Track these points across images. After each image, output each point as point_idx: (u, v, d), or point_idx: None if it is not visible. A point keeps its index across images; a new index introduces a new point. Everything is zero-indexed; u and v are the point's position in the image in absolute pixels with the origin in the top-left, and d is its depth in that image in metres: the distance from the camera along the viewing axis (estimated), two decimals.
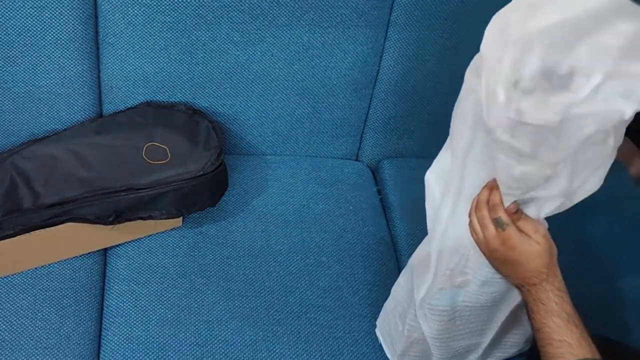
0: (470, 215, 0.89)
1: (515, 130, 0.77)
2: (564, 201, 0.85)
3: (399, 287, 1.08)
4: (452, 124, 0.90)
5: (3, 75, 1.15)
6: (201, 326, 1.12)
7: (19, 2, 1.10)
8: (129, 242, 1.21)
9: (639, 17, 0.71)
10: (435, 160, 0.96)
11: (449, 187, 0.91)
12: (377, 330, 1.16)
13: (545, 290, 0.84)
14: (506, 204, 0.85)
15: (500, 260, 0.88)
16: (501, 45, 0.77)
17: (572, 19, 0.73)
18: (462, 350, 1.05)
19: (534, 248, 0.85)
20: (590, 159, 0.80)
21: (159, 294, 1.15)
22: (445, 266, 0.93)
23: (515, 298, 0.97)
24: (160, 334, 1.10)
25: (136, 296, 1.14)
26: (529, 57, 0.75)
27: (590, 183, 0.83)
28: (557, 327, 0.83)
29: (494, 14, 1.30)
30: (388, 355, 1.14)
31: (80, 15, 1.14)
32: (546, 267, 0.85)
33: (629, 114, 0.76)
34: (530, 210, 0.87)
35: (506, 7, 0.78)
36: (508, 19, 0.78)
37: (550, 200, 0.85)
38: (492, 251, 0.87)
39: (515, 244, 0.85)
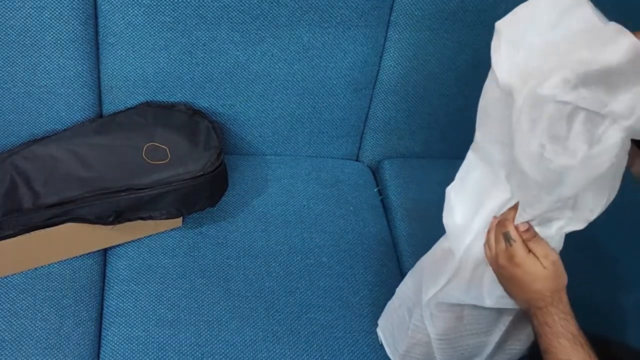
0: (488, 232, 0.91)
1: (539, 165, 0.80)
2: (585, 219, 0.86)
3: (405, 287, 1.08)
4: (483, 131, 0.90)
5: (3, 75, 1.15)
6: (201, 326, 1.12)
7: (18, 2, 1.10)
8: (129, 242, 1.21)
9: None
10: (458, 177, 0.95)
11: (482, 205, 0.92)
12: (378, 330, 1.16)
13: (551, 314, 0.85)
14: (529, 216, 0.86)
15: (506, 278, 0.89)
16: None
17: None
18: (466, 353, 1.04)
19: (539, 270, 0.85)
20: (604, 184, 0.83)
21: (159, 294, 1.15)
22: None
23: None
24: (160, 334, 1.10)
25: (136, 296, 1.14)
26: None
27: (604, 198, 0.85)
28: (564, 347, 0.83)
29: (493, 14, 1.31)
30: (389, 355, 1.14)
31: (80, 15, 1.14)
32: (550, 291, 0.85)
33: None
34: (551, 228, 0.87)
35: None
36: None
37: (570, 220, 0.86)
38: (500, 267, 0.88)
39: (521, 262, 0.86)
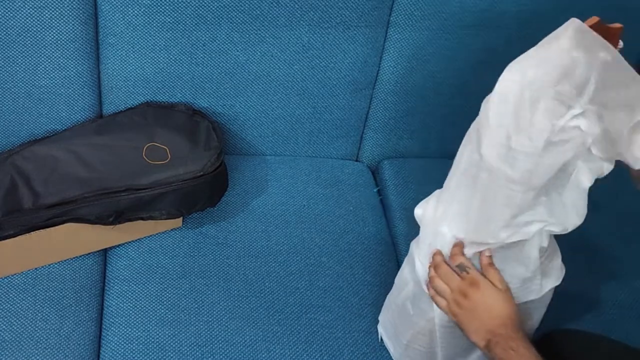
0: (430, 282, 0.95)
1: (507, 157, 0.84)
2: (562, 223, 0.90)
3: (403, 274, 1.08)
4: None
5: (3, 75, 1.15)
6: (201, 326, 1.12)
7: (19, 2, 1.10)
8: (129, 242, 1.21)
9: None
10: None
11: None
12: (379, 326, 1.16)
13: (514, 338, 0.87)
14: (501, 234, 0.89)
15: (468, 311, 0.91)
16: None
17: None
18: (468, 344, 1.04)
19: (497, 293, 0.90)
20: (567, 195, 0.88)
21: (159, 294, 1.15)
22: None
23: (527, 294, 0.97)
24: (160, 334, 1.10)
25: (136, 296, 1.14)
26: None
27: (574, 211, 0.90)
28: None
29: (493, 14, 1.31)
30: (391, 351, 1.14)
31: (80, 15, 1.14)
32: (509, 316, 0.89)
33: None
34: (530, 227, 0.90)
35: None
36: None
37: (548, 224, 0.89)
38: (458, 303, 0.91)
39: (480, 284, 0.90)
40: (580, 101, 0.81)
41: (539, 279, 0.96)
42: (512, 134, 0.83)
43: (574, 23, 0.82)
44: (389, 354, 1.15)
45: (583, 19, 0.83)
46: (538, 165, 0.83)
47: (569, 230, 0.89)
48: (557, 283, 0.99)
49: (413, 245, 1.04)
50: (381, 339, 1.16)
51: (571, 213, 0.89)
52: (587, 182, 0.86)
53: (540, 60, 0.83)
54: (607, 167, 0.85)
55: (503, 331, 0.87)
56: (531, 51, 0.84)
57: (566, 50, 0.81)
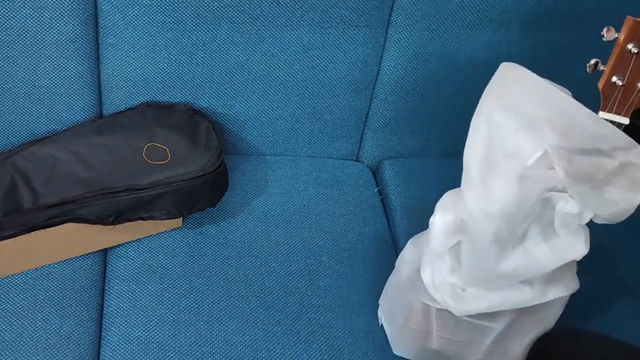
0: None
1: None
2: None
3: (404, 256, 1.09)
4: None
5: (3, 75, 1.15)
6: (201, 326, 1.12)
7: (19, 2, 1.10)
8: (129, 242, 1.21)
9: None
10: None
11: None
12: (379, 310, 1.17)
13: None
14: None
15: None
16: None
17: None
18: (465, 335, 1.04)
19: None
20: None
21: (159, 294, 1.15)
22: None
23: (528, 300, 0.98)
24: (160, 334, 1.10)
25: (136, 296, 1.14)
26: None
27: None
28: None
29: (493, 14, 1.31)
30: (388, 333, 1.14)
31: (80, 15, 1.14)
32: None
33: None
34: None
35: None
36: None
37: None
38: None
39: None
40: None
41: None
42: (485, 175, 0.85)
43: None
44: (391, 353, 1.15)
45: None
46: (514, 197, 0.84)
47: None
48: (566, 293, 1.00)
49: (422, 240, 1.04)
50: (381, 324, 1.16)
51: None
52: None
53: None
54: (586, 216, 0.86)
55: None
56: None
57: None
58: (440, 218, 0.97)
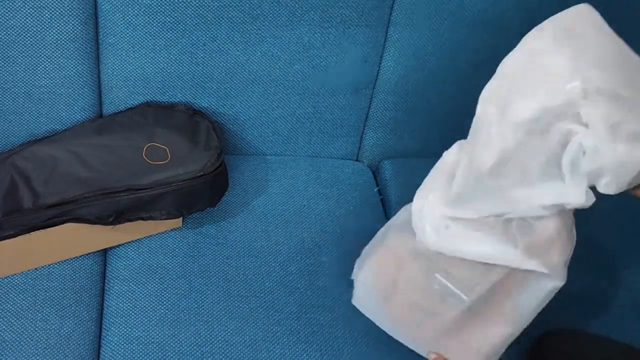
0: None
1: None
2: None
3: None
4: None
5: (3, 75, 1.15)
6: (201, 326, 1.12)
7: (19, 2, 1.10)
8: (129, 242, 1.21)
9: None
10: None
11: None
12: (357, 261, 1.11)
13: None
14: None
15: None
16: None
17: None
18: (428, 307, 1.00)
19: None
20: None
21: (159, 294, 1.15)
22: None
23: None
24: (160, 334, 1.10)
25: (136, 296, 1.14)
26: None
27: None
28: None
29: (494, 13, 1.31)
30: (355, 285, 1.09)
31: (80, 15, 1.14)
32: None
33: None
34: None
35: None
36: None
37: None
38: None
39: None
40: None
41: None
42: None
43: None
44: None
45: None
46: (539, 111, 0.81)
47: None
48: (546, 271, 0.91)
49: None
50: (353, 277, 1.11)
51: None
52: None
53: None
54: (596, 161, 0.79)
55: None
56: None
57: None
58: (449, 157, 0.96)
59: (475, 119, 0.89)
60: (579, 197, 0.83)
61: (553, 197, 0.85)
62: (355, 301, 1.09)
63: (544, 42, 0.83)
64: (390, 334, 1.06)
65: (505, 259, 0.90)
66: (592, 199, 0.83)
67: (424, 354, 1.00)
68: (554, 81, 0.80)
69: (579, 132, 0.79)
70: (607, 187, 0.80)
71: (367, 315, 1.07)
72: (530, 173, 0.84)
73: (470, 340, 0.98)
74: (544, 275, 0.90)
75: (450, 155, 0.97)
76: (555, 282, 0.91)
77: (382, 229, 1.08)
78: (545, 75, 0.81)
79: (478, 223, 0.91)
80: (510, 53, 0.86)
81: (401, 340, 1.05)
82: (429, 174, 0.99)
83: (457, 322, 0.97)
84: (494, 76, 0.87)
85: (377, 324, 1.06)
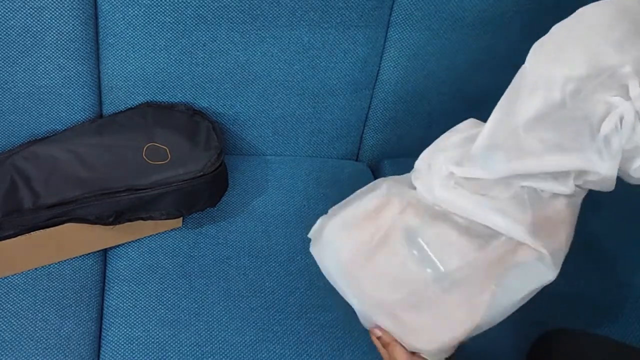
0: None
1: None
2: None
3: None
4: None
5: (3, 75, 1.15)
6: (201, 326, 1.12)
7: (19, 2, 1.10)
8: (129, 242, 1.21)
9: None
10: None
11: None
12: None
13: None
14: None
15: None
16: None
17: None
18: (406, 276, 0.90)
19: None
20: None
21: (159, 294, 1.15)
22: None
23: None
24: (160, 334, 1.10)
25: (136, 296, 1.14)
26: None
27: None
28: None
29: (493, 13, 1.31)
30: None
31: (80, 15, 1.14)
32: None
33: None
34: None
35: None
36: None
37: None
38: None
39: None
40: None
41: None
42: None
43: None
44: None
45: None
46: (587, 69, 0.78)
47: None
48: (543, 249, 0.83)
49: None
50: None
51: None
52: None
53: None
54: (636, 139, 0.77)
55: None
56: None
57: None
58: (464, 125, 0.95)
59: (521, 69, 0.85)
60: (611, 170, 0.78)
61: (583, 163, 0.79)
62: (313, 250, 0.99)
63: (603, 17, 0.81)
64: (343, 288, 0.94)
65: (509, 228, 0.82)
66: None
67: (365, 325, 0.93)
68: (606, 52, 0.78)
69: (621, 106, 0.76)
70: (638, 170, 0.78)
71: (324, 265, 0.97)
72: (566, 137, 0.80)
73: (430, 323, 0.86)
74: (540, 260, 0.82)
75: (466, 124, 0.94)
76: (549, 272, 0.82)
77: (351, 196, 1.00)
78: (598, 45, 0.78)
79: (490, 185, 0.85)
80: (564, 20, 0.84)
81: (349, 300, 0.94)
82: (440, 137, 0.95)
83: (424, 297, 0.86)
84: (546, 35, 0.84)
85: (330, 274, 0.96)
